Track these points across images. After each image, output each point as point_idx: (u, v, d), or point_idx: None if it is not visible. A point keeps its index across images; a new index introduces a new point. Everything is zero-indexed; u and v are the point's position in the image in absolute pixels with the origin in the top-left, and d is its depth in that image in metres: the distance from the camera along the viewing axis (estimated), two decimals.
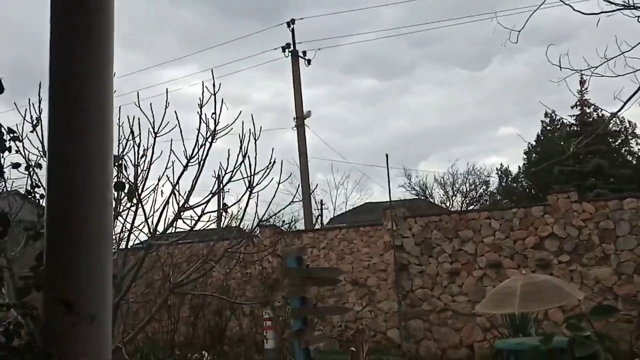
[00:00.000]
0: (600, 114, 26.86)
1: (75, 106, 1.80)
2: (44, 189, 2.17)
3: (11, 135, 2.32)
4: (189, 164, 4.79)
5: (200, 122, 4.80)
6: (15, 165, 2.12)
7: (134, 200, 4.65)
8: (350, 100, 48.22)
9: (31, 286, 1.78)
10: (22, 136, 4.30)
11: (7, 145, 2.24)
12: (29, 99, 4.44)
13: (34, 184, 2.78)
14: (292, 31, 22.27)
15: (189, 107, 5.04)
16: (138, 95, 4.91)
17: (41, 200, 2.78)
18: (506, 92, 46.34)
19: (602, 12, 4.92)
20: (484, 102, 46.11)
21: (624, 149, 31.31)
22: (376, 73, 50.15)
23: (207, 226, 5.47)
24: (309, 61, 22.28)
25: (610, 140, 30.40)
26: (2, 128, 2.28)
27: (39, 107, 4.36)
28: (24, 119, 4.45)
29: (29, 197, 3.12)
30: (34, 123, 4.35)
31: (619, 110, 5.39)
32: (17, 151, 2.53)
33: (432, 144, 52.17)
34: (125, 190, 4.35)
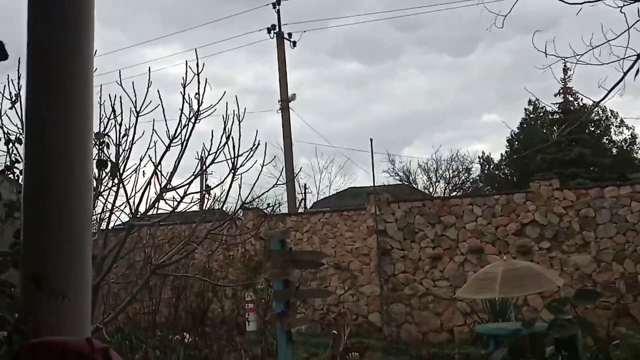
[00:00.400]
0: (583, 103, 27.10)
1: (55, 79, 1.76)
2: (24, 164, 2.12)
3: None
4: (172, 145, 4.73)
5: (183, 102, 4.73)
6: None
7: (116, 180, 4.59)
8: (334, 83, 48.07)
9: (8, 263, 1.74)
10: (0, 113, 4.22)
11: None
12: (8, 75, 4.35)
13: (13, 159, 2.72)
14: (278, 12, 22.10)
15: (172, 87, 4.96)
16: (120, 73, 4.81)
17: (20, 177, 2.71)
18: (489, 78, 46.48)
19: (585, 2, 4.91)
20: (467, 88, 46.22)
21: (605, 137, 31.61)
22: (361, 56, 50.00)
23: (190, 208, 5.43)
24: (294, 43, 22.15)
25: (593, 129, 30.67)
26: None
27: (18, 83, 4.27)
28: (2, 95, 4.37)
29: (8, 173, 3.06)
30: (12, 99, 4.27)
31: (602, 99, 5.41)
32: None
33: (416, 129, 52.27)
34: (108, 169, 4.29)
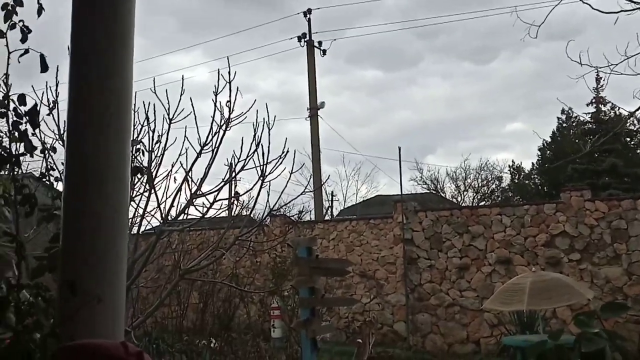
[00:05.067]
0: (617, 112, 26.61)
1: (96, 89, 1.82)
2: (59, 172, 2.19)
3: (16, 112, 2.34)
4: (203, 152, 4.81)
5: (214, 110, 4.81)
6: (33, 149, 2.15)
7: (147, 186, 4.68)
8: (354, 90, 47.94)
9: (45, 267, 1.80)
10: (38, 119, 4.34)
11: (24, 129, 2.26)
12: (46, 82, 4.47)
13: (48, 166, 2.80)
14: (309, 21, 22.22)
15: (197, 94, 5.04)
16: (154, 81, 4.93)
17: (55, 183, 2.80)
18: (512, 86, 45.87)
19: (621, 11, 4.87)
20: (490, 96, 45.71)
21: (639, 149, 30.95)
22: (381, 64, 49.78)
23: (219, 214, 5.50)
24: (324, 51, 22.23)
25: (627, 139, 30.08)
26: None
27: (56, 90, 4.39)
28: (41, 101, 4.49)
29: (44, 179, 3.15)
30: (50, 106, 4.38)
31: (638, 109, 5.35)
32: (34, 134, 2.56)
33: (439, 138, 51.75)
34: (140, 175, 4.37)
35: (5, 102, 2.13)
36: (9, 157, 2.04)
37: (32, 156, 2.12)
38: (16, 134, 2.10)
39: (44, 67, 2.03)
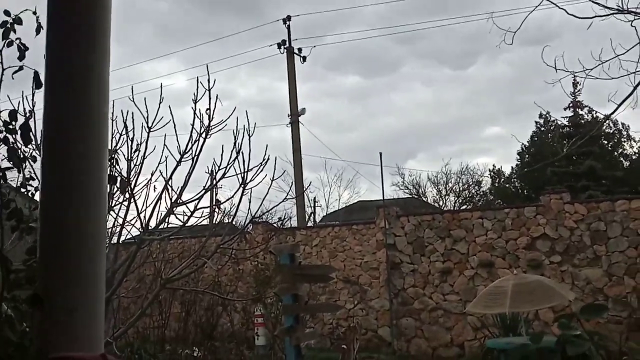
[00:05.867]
0: (594, 116, 26.98)
1: (72, 97, 1.79)
2: (39, 181, 2.16)
3: (7, 127, 2.31)
4: (183, 160, 4.78)
5: (194, 117, 4.79)
6: (20, 163, 2.12)
7: (127, 195, 4.63)
8: (334, 97, 48.11)
9: (22, 279, 1.77)
10: (15, 129, 4.28)
11: (2, 137, 2.23)
12: (22, 91, 4.40)
13: (26, 177, 2.76)
14: (288, 28, 22.22)
15: (174, 102, 5.02)
16: (132, 90, 4.89)
17: (35, 194, 2.76)
18: (491, 91, 46.45)
19: (596, 16, 4.95)
20: (469, 101, 46.17)
21: (616, 151, 31.43)
22: (361, 70, 50.04)
23: (200, 222, 5.46)
24: (304, 58, 22.24)
25: (605, 142, 30.52)
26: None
27: (32, 99, 4.33)
28: (17, 111, 4.42)
29: (22, 190, 3.11)
30: (27, 115, 4.32)
31: (612, 112, 5.43)
32: (14, 144, 2.52)
33: (420, 142, 52.15)
34: (117, 184, 4.33)
35: None
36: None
37: (19, 171, 2.09)
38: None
39: (38, 84, 2.01)
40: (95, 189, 1.77)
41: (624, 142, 31.65)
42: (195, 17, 45.92)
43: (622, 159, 31.42)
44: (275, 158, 5.14)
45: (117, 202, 4.74)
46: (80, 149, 1.76)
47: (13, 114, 2.09)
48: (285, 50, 22.08)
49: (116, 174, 4.39)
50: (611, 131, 31.06)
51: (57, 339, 1.61)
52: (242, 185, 4.96)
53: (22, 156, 3.37)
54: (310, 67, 50.43)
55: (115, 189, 4.53)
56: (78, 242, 1.71)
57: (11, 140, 2.21)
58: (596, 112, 25.51)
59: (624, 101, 5.08)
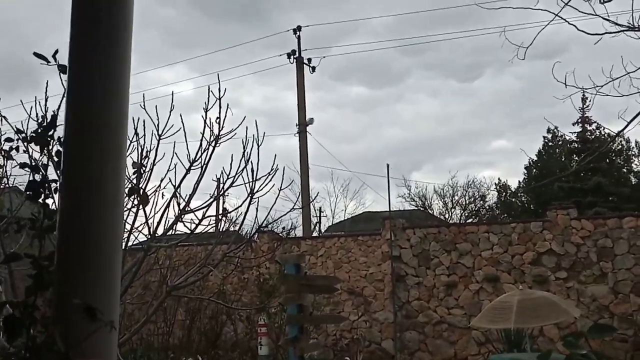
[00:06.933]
0: (606, 133, 26.93)
1: (93, 104, 1.82)
2: (49, 187, 2.18)
3: (20, 135, 2.34)
4: (192, 168, 4.80)
5: (204, 126, 4.81)
6: (23, 165, 2.14)
7: (135, 202, 4.65)
8: (340, 107, 48.17)
9: (39, 285, 1.78)
10: (26, 134, 4.32)
11: (16, 145, 2.26)
12: (35, 97, 4.44)
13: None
14: (298, 38, 22.29)
15: (182, 110, 5.04)
16: (144, 97, 4.93)
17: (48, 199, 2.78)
18: (497, 104, 46.38)
19: (606, 33, 4.96)
20: (475, 114, 46.17)
21: (625, 167, 31.30)
22: (367, 81, 50.09)
23: (207, 230, 5.48)
24: (313, 68, 22.32)
25: (614, 158, 30.42)
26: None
27: (45, 105, 4.37)
28: (29, 116, 4.46)
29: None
30: (39, 121, 4.35)
31: (623, 129, 5.43)
32: (25, 150, 2.54)
33: (425, 154, 52.05)
34: (135, 195, 4.35)
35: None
36: (42, 183, 2.03)
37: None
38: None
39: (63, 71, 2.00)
40: (112, 197, 1.79)
41: (634, 158, 31.54)
42: (200, 25, 46.19)
43: (630, 175, 31.29)
44: (284, 168, 5.16)
45: (126, 209, 4.76)
46: (98, 156, 1.78)
47: (53, 120, 2.11)
48: (295, 61, 22.16)
49: (134, 186, 4.42)
50: (620, 148, 30.97)
51: (83, 349, 1.62)
52: (250, 195, 4.98)
53: (31, 161, 3.41)
54: (317, 78, 50.55)
55: (132, 198, 4.55)
56: (95, 249, 1.73)
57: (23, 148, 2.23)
58: (604, 128, 25.38)
59: (634, 118, 5.09)
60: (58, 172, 2.08)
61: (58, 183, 1.90)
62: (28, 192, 2.11)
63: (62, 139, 2.04)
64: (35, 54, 2.23)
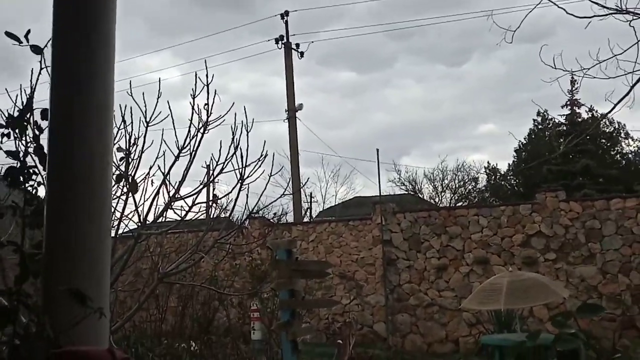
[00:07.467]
0: (594, 114, 27.05)
1: (78, 91, 1.81)
2: (41, 176, 2.16)
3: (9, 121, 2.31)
4: (181, 155, 4.79)
5: (192, 113, 4.79)
6: (12, 153, 2.11)
7: (126, 189, 4.64)
8: (328, 93, 48.07)
9: (29, 273, 1.78)
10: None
11: (7, 132, 2.24)
12: (20, 85, 4.39)
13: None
14: (286, 23, 22.20)
15: (169, 96, 5.01)
16: (130, 84, 4.89)
17: (30, 187, 2.76)
18: (484, 88, 46.49)
19: (594, 16, 4.97)
20: (462, 98, 46.23)
21: (613, 150, 31.50)
22: (355, 66, 49.97)
23: (197, 217, 5.47)
24: (302, 53, 22.22)
25: (603, 141, 30.62)
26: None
27: (31, 92, 4.32)
28: (15, 104, 4.42)
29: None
30: (21, 109, 4.31)
31: (609, 112, 5.47)
32: (9, 137, 2.51)
33: (413, 139, 52.14)
34: (124, 182, 4.34)
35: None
36: (21, 170, 2.00)
37: (45, 169, 2.07)
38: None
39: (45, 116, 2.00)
40: (100, 183, 1.79)
41: (622, 140, 31.74)
42: (185, 10, 45.80)
43: (618, 157, 31.52)
44: (273, 154, 5.16)
45: (115, 196, 4.74)
46: (84, 146, 1.77)
47: (45, 113, 2.08)
48: (283, 46, 22.05)
49: (120, 172, 4.39)
50: (608, 130, 31.16)
51: (73, 335, 1.62)
52: (240, 181, 4.98)
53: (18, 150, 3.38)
54: (304, 63, 50.36)
55: (120, 185, 4.53)
56: (83, 237, 1.73)
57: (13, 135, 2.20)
58: (596, 110, 25.44)
59: (620, 100, 5.12)
60: (36, 157, 2.07)
61: (45, 171, 1.89)
62: (7, 179, 2.09)
63: (38, 124, 2.02)
64: (7, 34, 2.20)
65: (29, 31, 2.16)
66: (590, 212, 13.27)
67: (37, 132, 2.14)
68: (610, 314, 12.43)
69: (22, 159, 2.07)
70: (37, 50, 2.19)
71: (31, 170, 2.00)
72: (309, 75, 46.51)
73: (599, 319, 11.94)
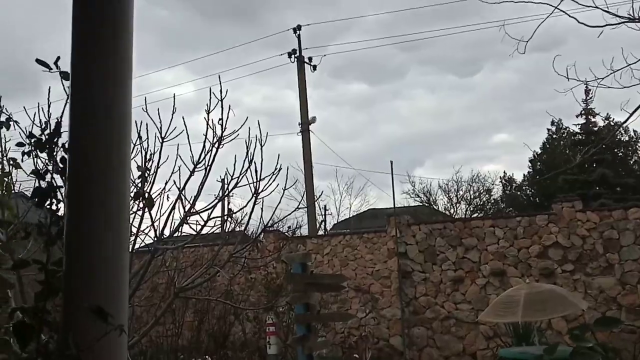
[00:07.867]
0: (610, 123, 26.80)
1: (97, 108, 1.84)
2: (60, 193, 2.19)
3: (31, 140, 2.35)
4: (196, 170, 4.82)
5: (207, 128, 4.83)
6: (34, 172, 2.15)
7: (141, 205, 4.67)
8: (340, 105, 48.14)
9: (49, 291, 1.80)
10: (31, 140, 4.34)
11: (28, 150, 2.28)
12: (38, 103, 4.46)
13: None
14: (299, 37, 22.30)
15: (182, 111, 5.06)
16: (146, 100, 4.94)
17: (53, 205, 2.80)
18: (496, 98, 46.34)
19: (606, 25, 4.95)
20: (475, 108, 46.13)
21: (629, 159, 31.19)
22: (366, 78, 50.03)
23: (213, 231, 5.49)
24: (314, 67, 22.32)
25: (617, 150, 30.35)
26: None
27: (48, 111, 4.39)
28: (33, 122, 4.48)
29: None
30: (42, 127, 4.37)
31: (625, 121, 5.42)
32: (31, 156, 2.56)
33: (427, 150, 52.06)
34: (141, 199, 4.38)
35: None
36: (49, 189, 2.04)
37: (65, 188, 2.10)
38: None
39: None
40: (118, 201, 1.81)
41: (639, 148, 31.42)
42: (198, 26, 46.21)
43: (635, 166, 31.20)
44: (287, 167, 5.17)
45: (132, 212, 4.78)
46: (103, 161, 1.80)
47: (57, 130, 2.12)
48: (295, 60, 22.16)
49: (139, 190, 4.44)
50: (630, 139, 30.89)
51: (94, 353, 1.64)
52: (255, 195, 4.99)
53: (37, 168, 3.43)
54: (315, 76, 50.52)
55: (137, 202, 4.57)
56: (102, 253, 1.75)
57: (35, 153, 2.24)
58: (612, 119, 25.16)
59: (636, 109, 5.08)
60: (63, 178, 2.08)
61: (63, 189, 1.91)
62: (35, 199, 2.12)
63: (66, 146, 2.05)
64: (38, 61, 2.24)
65: (58, 58, 2.20)
66: (608, 222, 13.12)
67: (65, 155, 2.14)
68: (629, 325, 12.25)
69: (49, 179, 2.10)
70: (66, 76, 2.21)
71: (57, 191, 2.03)
72: (321, 87, 46.66)
73: (618, 330, 11.77)
